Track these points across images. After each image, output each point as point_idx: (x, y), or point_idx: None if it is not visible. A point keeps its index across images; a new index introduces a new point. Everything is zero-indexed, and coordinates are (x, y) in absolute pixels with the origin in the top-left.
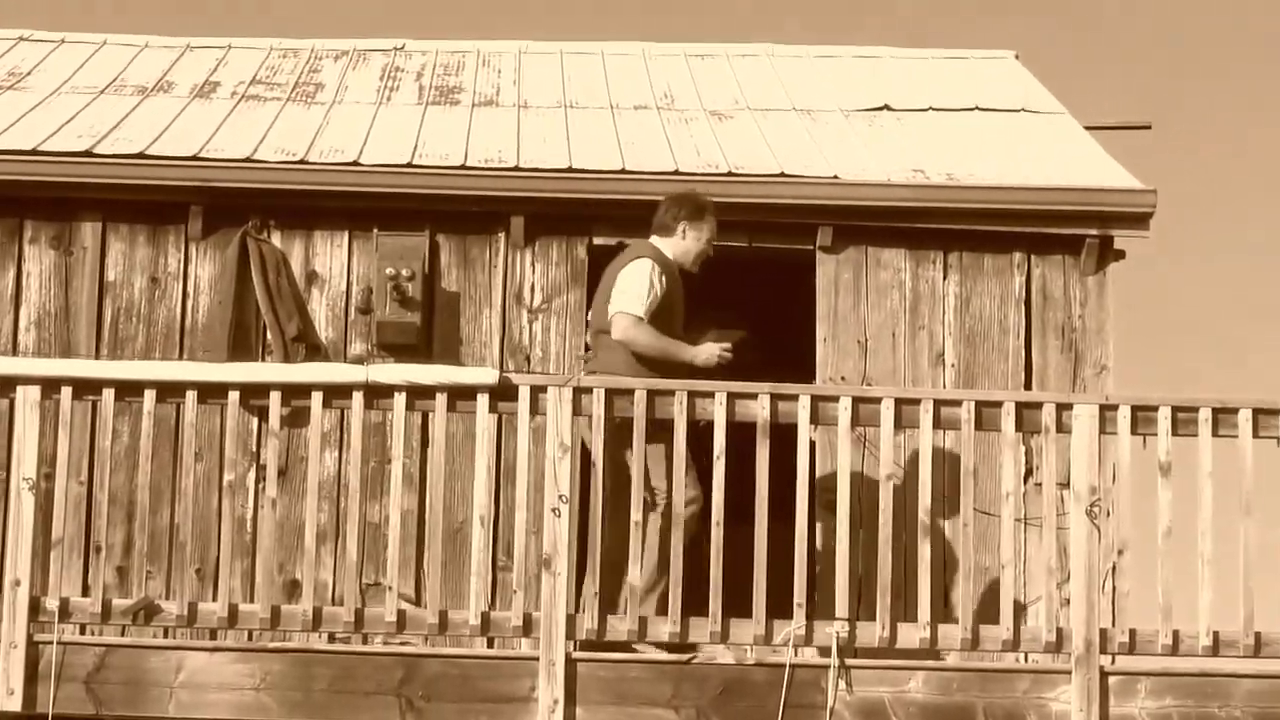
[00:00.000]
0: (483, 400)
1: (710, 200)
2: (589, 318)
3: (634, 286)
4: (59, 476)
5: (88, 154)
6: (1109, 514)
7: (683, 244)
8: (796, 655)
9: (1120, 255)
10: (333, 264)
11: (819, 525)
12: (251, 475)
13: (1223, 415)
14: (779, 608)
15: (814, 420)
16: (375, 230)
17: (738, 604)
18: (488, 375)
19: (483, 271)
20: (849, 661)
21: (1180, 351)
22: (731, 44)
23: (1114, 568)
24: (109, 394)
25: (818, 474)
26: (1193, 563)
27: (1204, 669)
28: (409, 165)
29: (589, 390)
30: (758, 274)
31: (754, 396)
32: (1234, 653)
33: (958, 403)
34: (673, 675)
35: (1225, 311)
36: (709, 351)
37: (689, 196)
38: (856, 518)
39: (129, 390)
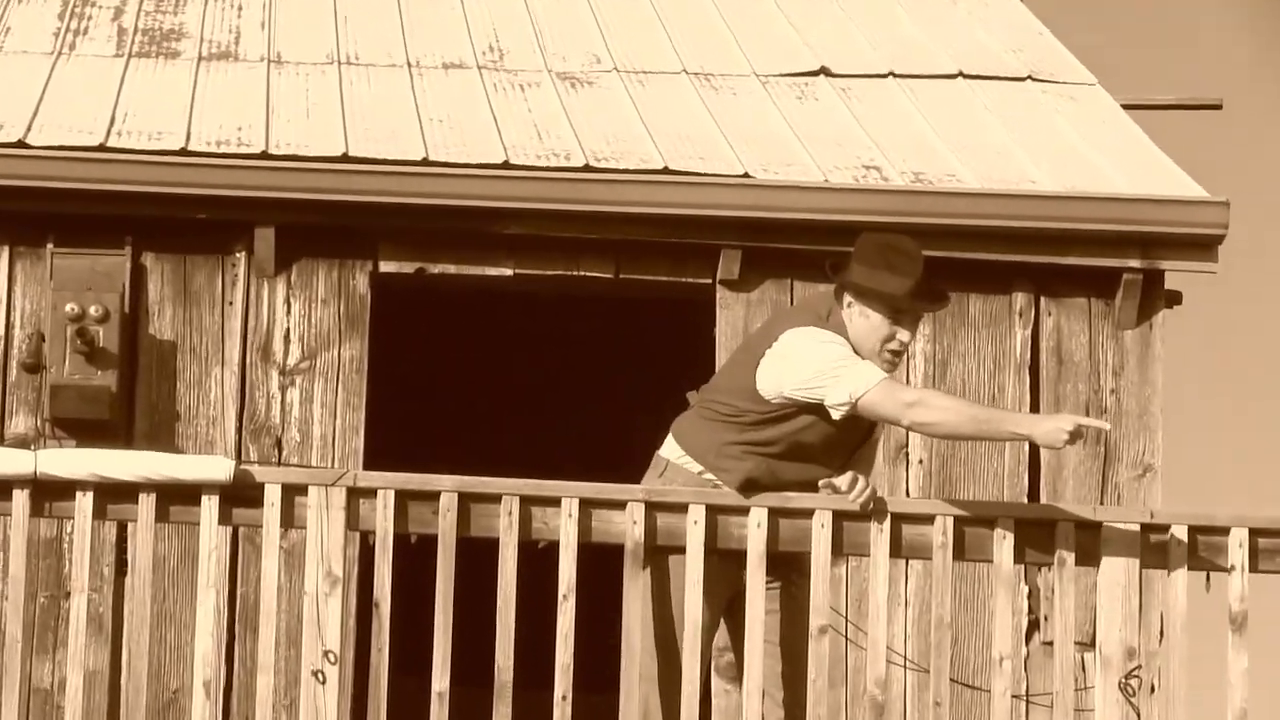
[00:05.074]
0: (210, 505)
1: (900, 244)
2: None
3: (815, 355)
4: None
5: None
6: (1154, 689)
7: (851, 325)
8: None
9: (1175, 299)
10: None
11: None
12: None
13: None
14: None
15: (711, 542)
16: (50, 245)
17: None
18: (218, 468)
19: (212, 310)
20: None
21: (1260, 442)
22: None
23: None
24: None
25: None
26: None
27: None
28: (101, 148)
29: (371, 493)
30: (631, 319)
31: (621, 505)
32: None
33: (928, 518)
34: None
35: None
36: (1058, 424)
37: (868, 242)
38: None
39: None
